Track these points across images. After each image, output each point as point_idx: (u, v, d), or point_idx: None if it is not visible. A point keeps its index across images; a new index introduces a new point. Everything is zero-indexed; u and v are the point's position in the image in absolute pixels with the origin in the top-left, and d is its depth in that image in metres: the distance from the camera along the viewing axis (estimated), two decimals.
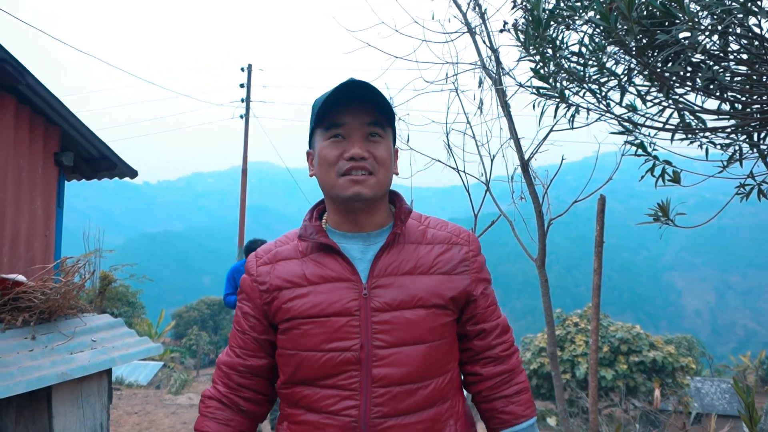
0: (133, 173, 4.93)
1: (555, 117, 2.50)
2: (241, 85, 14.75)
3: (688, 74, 2.21)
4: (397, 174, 1.26)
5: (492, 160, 3.21)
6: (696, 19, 1.81)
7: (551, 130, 2.96)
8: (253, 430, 1.31)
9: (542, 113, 2.54)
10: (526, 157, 3.18)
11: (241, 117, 14.64)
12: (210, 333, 25.53)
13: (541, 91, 2.42)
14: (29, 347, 2.68)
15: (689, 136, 2.47)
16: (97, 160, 4.56)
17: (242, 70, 14.90)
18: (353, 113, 1.15)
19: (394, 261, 1.18)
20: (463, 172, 3.21)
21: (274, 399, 1.32)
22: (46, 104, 3.90)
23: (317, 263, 1.19)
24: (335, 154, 1.15)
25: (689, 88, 2.24)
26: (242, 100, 14.73)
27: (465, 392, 1.32)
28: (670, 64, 2.15)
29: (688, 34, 1.88)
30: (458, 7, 3.25)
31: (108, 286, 7.97)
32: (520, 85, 2.63)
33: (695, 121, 2.41)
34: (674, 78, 2.21)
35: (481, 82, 3.20)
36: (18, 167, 3.81)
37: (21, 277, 2.92)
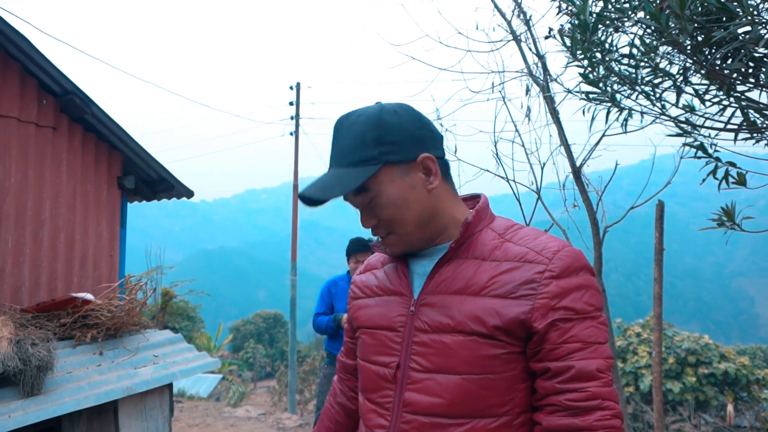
0: (189, 193, 5.13)
1: (607, 122, 2.43)
2: (290, 103, 15.11)
3: (751, 70, 2.09)
4: (429, 191, 1.07)
5: (542, 168, 3.14)
6: (756, 13, 1.72)
7: (603, 135, 2.87)
8: (348, 425, 1.35)
9: (593, 118, 2.47)
10: (577, 164, 3.09)
11: (291, 134, 14.99)
12: (266, 346, 26.02)
13: (590, 96, 2.35)
14: (97, 362, 2.82)
15: (754, 135, 2.33)
16: (156, 182, 4.78)
17: (291, 88, 15.27)
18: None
19: (448, 277, 1.05)
20: (513, 181, 3.16)
21: None
22: (110, 131, 4.14)
23: (386, 274, 1.18)
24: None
25: (752, 85, 2.12)
26: (291, 118, 15.09)
27: None
28: (729, 61, 2.04)
29: (748, 28, 1.78)
30: (502, 15, 3.22)
31: (169, 301, 8.27)
32: (569, 91, 2.57)
33: (761, 119, 2.28)
34: (735, 75, 2.10)
35: (528, 90, 3.15)
36: (85, 192, 4.05)
37: (89, 296, 3.09)
